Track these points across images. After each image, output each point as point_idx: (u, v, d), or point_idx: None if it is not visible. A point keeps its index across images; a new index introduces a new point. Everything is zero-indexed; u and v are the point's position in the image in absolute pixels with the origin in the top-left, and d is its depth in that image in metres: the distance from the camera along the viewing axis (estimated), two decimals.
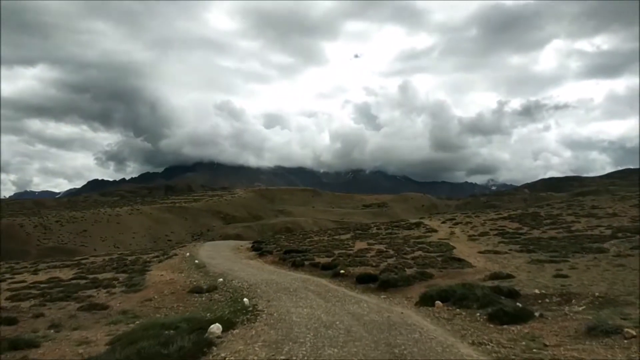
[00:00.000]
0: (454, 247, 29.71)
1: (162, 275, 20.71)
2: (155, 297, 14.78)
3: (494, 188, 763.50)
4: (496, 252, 27.14)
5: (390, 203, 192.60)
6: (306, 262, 24.24)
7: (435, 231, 42.21)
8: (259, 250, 35.32)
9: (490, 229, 40.68)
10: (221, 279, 17.99)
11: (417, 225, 48.09)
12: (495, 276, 16.57)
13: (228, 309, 11.96)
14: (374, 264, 22.38)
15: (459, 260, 22.22)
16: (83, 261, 36.25)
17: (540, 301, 11.71)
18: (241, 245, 43.31)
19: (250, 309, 11.79)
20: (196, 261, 27.28)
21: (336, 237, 42.19)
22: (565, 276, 16.06)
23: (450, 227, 45.14)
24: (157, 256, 34.98)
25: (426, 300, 11.99)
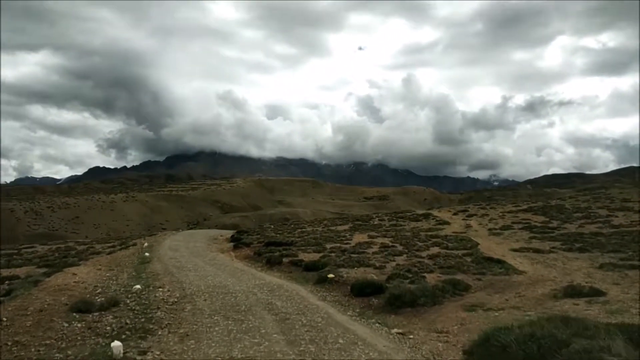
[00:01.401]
0: (478, 243, 23.48)
1: (75, 274, 14.46)
2: (5, 319, 8.56)
3: (496, 183, 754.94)
4: (537, 251, 20.89)
5: (392, 196, 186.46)
6: (285, 259, 17.90)
7: (448, 223, 36.07)
8: (238, 241, 29.08)
9: (513, 222, 34.58)
10: (139, 286, 11.68)
11: (426, 216, 41.91)
12: (573, 291, 10.23)
13: None
14: (377, 264, 16.07)
15: (498, 261, 15.84)
16: (26, 250, 30.17)
17: None
18: (221, 235, 37.02)
19: None
20: (146, 254, 21.04)
21: (332, 228, 35.99)
22: None
23: (464, 219, 39.03)
24: (113, 246, 28.86)
25: (494, 355, 5.67)
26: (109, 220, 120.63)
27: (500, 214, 41.18)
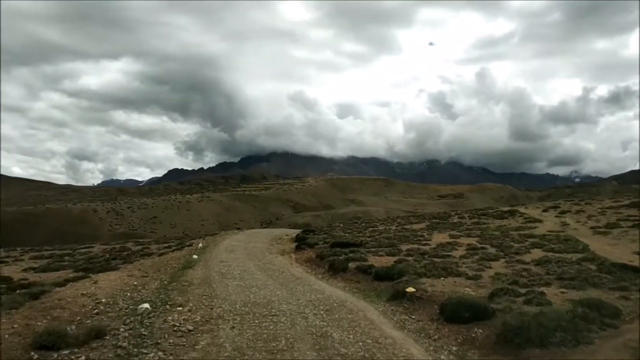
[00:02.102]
0: (587, 245, 19.27)
1: (95, 282, 11.87)
2: None
3: (577, 180, 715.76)
4: None
5: (467, 194, 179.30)
6: (351, 264, 14.60)
7: (540, 221, 31.60)
8: (302, 241, 26.08)
9: (618, 219, 29.60)
10: (147, 305, 8.75)
11: (512, 213, 37.36)
12: None
13: None
14: (469, 272, 12.49)
15: (634, 270, 11.83)
16: (80, 250, 28.62)
17: None
18: (286, 235, 34.16)
19: None
20: (194, 256, 18.43)
21: (407, 226, 32.34)
22: None
23: (557, 217, 34.27)
24: (169, 246, 26.70)
25: None
26: (185, 219, 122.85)
27: (599, 210, 36.04)
